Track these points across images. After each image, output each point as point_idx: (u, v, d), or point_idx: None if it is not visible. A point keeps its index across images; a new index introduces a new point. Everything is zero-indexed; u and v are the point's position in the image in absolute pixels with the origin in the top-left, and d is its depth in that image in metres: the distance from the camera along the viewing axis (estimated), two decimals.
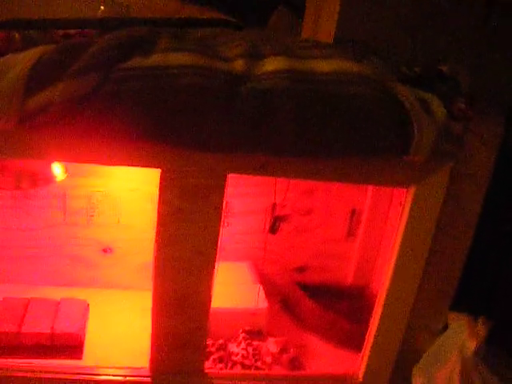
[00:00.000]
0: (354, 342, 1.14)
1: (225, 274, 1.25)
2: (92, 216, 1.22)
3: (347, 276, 1.35)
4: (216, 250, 0.90)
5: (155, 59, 0.77)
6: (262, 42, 0.87)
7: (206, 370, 1.02)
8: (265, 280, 1.30)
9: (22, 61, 0.74)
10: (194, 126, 0.76)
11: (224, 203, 0.87)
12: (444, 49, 1.04)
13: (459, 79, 0.93)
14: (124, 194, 1.21)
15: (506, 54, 1.06)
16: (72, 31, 0.93)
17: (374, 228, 1.28)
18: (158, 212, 0.87)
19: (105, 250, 1.25)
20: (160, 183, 0.85)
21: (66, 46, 0.77)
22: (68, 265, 1.25)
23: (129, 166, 0.85)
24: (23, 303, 1.15)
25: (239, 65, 0.81)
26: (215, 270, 0.92)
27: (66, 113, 0.73)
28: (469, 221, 0.95)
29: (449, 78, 0.93)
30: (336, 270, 1.34)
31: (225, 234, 1.27)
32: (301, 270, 1.33)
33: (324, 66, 0.82)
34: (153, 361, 0.98)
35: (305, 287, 1.29)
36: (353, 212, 1.29)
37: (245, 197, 1.25)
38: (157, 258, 0.90)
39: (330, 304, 1.25)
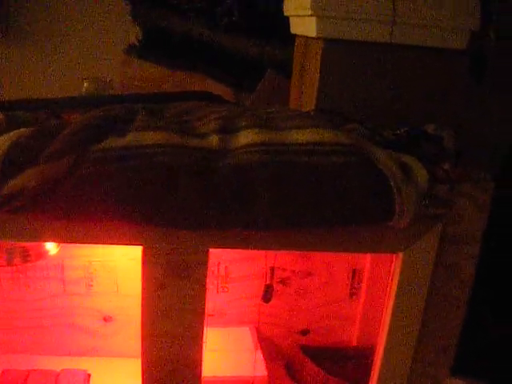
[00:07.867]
0: None
1: (225, 339, 1.24)
2: (91, 285, 1.22)
3: (351, 337, 1.32)
4: (203, 323, 0.89)
5: (129, 139, 0.78)
6: (237, 114, 0.87)
7: None
8: (267, 344, 1.28)
9: None
10: (169, 206, 0.76)
11: (206, 277, 0.86)
12: (430, 110, 1.03)
13: (444, 140, 0.92)
14: (122, 263, 1.22)
15: (493, 113, 1.05)
16: (57, 110, 0.95)
17: (376, 287, 1.25)
18: (143, 288, 0.87)
19: (105, 319, 1.25)
20: (142, 260, 0.85)
21: (40, 130, 0.78)
22: (69, 334, 1.25)
23: (110, 244, 0.85)
24: (23, 375, 1.15)
25: (214, 140, 0.81)
26: (204, 344, 0.90)
27: (40, 196, 0.74)
28: (464, 282, 0.93)
29: (434, 139, 0.92)
30: (340, 331, 1.32)
31: (225, 299, 1.26)
32: (304, 332, 1.31)
33: (299, 136, 0.81)
34: None
35: (309, 350, 1.27)
36: (353, 272, 1.27)
37: (243, 261, 1.24)
38: (143, 335, 0.89)
39: (335, 367, 1.22)
